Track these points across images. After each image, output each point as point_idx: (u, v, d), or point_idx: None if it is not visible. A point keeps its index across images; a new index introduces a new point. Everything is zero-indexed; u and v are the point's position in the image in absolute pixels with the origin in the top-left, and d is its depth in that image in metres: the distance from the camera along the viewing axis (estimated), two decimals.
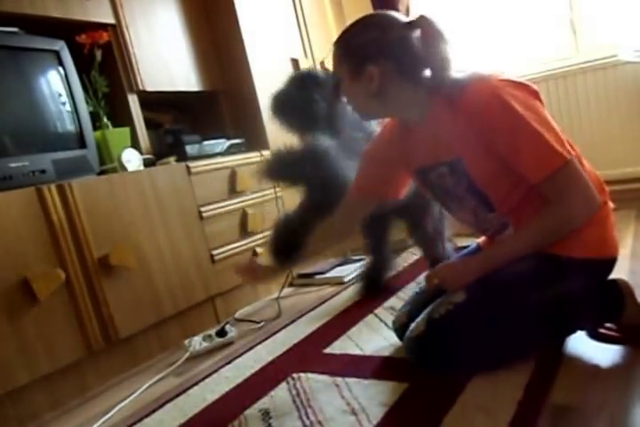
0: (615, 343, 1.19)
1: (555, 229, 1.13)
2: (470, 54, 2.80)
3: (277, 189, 2.33)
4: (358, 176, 1.42)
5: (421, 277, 1.50)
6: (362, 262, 2.25)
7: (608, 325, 1.24)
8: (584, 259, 1.15)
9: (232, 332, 1.74)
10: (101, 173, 1.78)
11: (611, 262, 1.21)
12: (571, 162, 1.08)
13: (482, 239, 1.44)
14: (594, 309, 1.20)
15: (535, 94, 1.14)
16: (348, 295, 2.01)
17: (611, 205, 1.22)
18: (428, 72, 1.16)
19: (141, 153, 1.96)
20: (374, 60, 1.13)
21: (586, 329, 1.25)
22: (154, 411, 1.31)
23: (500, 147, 1.11)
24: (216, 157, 2.12)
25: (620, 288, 1.21)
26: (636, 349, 1.15)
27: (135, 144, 1.98)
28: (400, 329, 1.36)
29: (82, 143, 1.71)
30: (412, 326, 1.22)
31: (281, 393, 1.26)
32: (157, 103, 2.32)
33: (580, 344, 1.22)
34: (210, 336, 1.71)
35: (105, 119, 1.90)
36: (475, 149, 1.14)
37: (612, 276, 1.24)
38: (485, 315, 1.15)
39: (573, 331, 1.23)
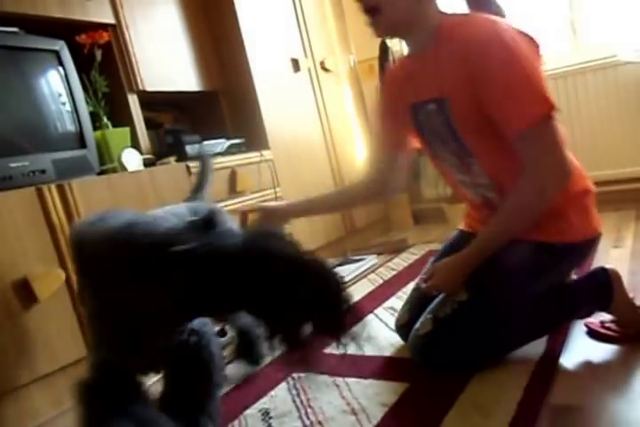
0: (612, 342, 1.19)
1: (528, 206, 1.12)
2: None
3: (277, 189, 2.33)
4: (379, 136, 1.42)
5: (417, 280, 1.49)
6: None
7: (607, 324, 1.24)
8: (576, 242, 1.19)
9: (232, 332, 1.74)
10: (101, 173, 1.78)
11: (597, 239, 1.25)
12: (551, 116, 1.07)
13: (463, 224, 1.44)
14: (587, 292, 1.24)
15: (536, 48, 1.15)
16: None
17: (593, 188, 1.24)
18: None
19: (141, 153, 1.96)
20: None
21: (581, 316, 1.28)
22: None
23: (487, 91, 1.09)
24: (216, 157, 2.12)
25: (609, 275, 1.25)
26: (634, 348, 1.15)
27: (135, 144, 1.97)
28: (403, 328, 1.36)
29: (82, 143, 1.71)
30: (418, 325, 1.22)
31: (281, 393, 1.26)
32: (157, 103, 2.32)
33: (580, 344, 1.22)
34: None
35: (105, 119, 1.90)
36: (462, 90, 1.13)
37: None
38: (491, 311, 1.16)
39: (571, 317, 1.27)
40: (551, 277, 1.22)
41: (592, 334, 1.25)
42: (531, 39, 1.14)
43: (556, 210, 1.16)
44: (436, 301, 1.23)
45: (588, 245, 1.24)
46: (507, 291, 1.16)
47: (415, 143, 1.40)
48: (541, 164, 1.09)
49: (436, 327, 1.18)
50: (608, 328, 1.24)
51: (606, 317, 1.27)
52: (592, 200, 1.23)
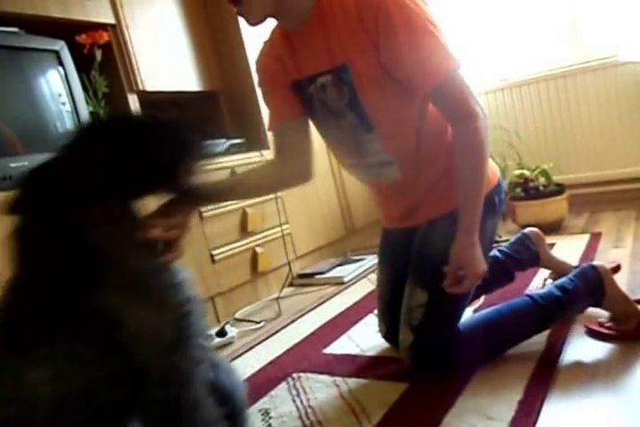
0: (612, 340, 1.19)
1: (477, 144, 1.08)
2: (470, 54, 2.80)
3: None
4: (270, 104, 1.33)
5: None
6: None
7: (606, 324, 1.25)
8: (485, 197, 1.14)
9: (232, 332, 1.74)
10: None
11: (500, 183, 1.27)
12: (457, 69, 1.06)
13: (383, 223, 1.42)
14: (579, 289, 1.24)
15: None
16: (348, 295, 2.01)
17: None
18: None
19: None
20: None
21: (574, 313, 1.29)
22: None
23: (392, 51, 1.05)
24: (216, 157, 2.12)
25: (599, 272, 1.26)
26: (634, 348, 1.15)
27: None
28: (387, 337, 1.38)
29: None
30: (401, 336, 1.22)
31: (281, 393, 1.26)
32: (157, 103, 2.32)
33: (580, 344, 1.22)
34: (210, 336, 1.71)
35: None
36: (363, 52, 1.08)
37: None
38: (455, 301, 1.17)
39: (564, 315, 1.26)
40: (484, 239, 1.15)
41: (591, 333, 1.25)
42: None
43: (444, 173, 1.19)
44: (403, 309, 1.22)
45: (495, 192, 1.24)
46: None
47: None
48: (464, 108, 1.07)
49: (416, 335, 1.18)
50: (608, 327, 1.24)
51: (602, 313, 1.28)
52: None
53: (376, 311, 1.73)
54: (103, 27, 1.91)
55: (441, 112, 1.13)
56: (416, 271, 1.23)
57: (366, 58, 1.08)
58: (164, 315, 0.79)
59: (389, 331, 1.33)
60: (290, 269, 2.36)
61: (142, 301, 0.78)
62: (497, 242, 1.62)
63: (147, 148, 0.81)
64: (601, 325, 1.25)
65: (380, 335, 1.49)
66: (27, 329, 0.74)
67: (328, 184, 2.74)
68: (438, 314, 1.17)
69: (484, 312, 1.25)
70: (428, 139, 1.19)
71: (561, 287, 1.24)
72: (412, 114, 1.16)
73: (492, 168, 1.25)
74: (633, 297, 1.27)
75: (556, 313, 1.22)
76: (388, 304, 1.34)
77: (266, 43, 1.28)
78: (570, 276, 1.29)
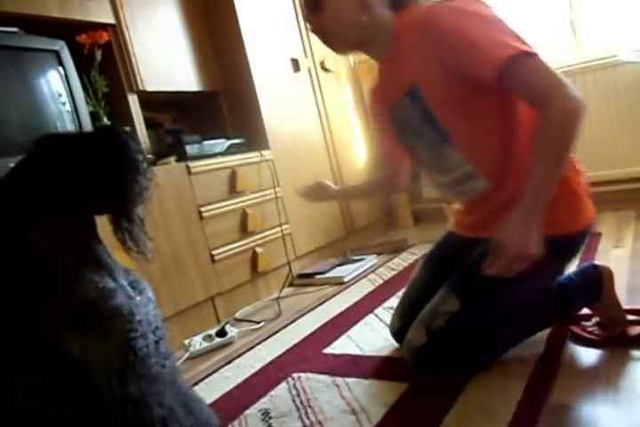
0: (596, 346, 1.18)
1: (563, 129, 0.99)
2: None
3: (277, 189, 2.33)
4: (379, 151, 1.51)
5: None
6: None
7: (590, 329, 1.24)
8: (564, 234, 1.11)
9: (232, 332, 1.74)
10: None
11: (587, 230, 1.17)
12: (530, 54, 0.99)
13: (452, 226, 1.41)
14: (580, 288, 1.23)
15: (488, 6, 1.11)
16: (348, 295, 2.01)
17: (581, 170, 1.19)
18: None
19: None
20: None
21: (573, 310, 1.27)
22: None
23: (453, 54, 1.05)
24: (216, 157, 2.12)
25: (600, 272, 1.25)
26: (634, 348, 1.14)
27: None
28: (397, 335, 1.37)
29: None
30: (411, 335, 1.21)
31: (281, 393, 1.26)
32: (157, 103, 2.32)
33: (580, 344, 1.22)
34: (210, 336, 1.71)
35: (105, 119, 1.90)
36: (429, 69, 1.10)
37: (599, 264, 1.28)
38: (484, 320, 1.15)
39: (564, 314, 1.26)
40: (541, 278, 1.17)
41: (575, 338, 1.23)
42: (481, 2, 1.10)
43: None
44: (427, 309, 1.21)
45: (580, 238, 1.17)
46: (499, 298, 1.14)
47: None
48: (546, 90, 0.99)
49: (430, 339, 1.17)
50: (591, 332, 1.23)
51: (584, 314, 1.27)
52: (581, 182, 1.16)
53: (378, 310, 1.73)
54: (103, 27, 1.91)
55: (526, 103, 1.05)
56: (460, 279, 1.20)
57: (431, 69, 1.10)
58: (108, 343, 0.79)
59: (402, 330, 1.31)
60: (290, 269, 2.36)
61: (86, 329, 0.78)
62: None
63: (96, 166, 0.84)
64: (585, 329, 1.24)
65: (379, 335, 1.49)
66: None
67: None
68: (461, 329, 1.15)
69: None
70: (516, 142, 1.13)
71: (561, 285, 1.24)
72: (489, 116, 1.12)
73: (588, 209, 1.16)
74: (633, 298, 1.27)
75: (555, 311, 1.23)
76: (412, 304, 1.32)
77: (371, 86, 1.39)
78: (570, 274, 1.28)
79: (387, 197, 1.59)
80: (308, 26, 1.22)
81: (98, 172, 0.84)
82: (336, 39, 1.19)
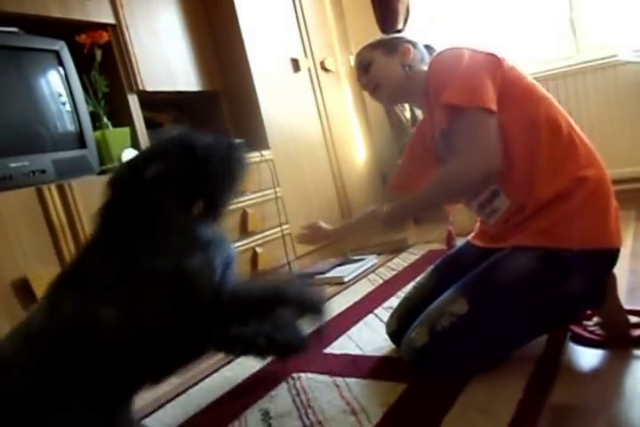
0: (597, 346, 1.18)
1: (445, 188, 1.20)
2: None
3: (278, 189, 2.33)
4: (396, 170, 1.56)
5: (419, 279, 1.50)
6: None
7: (591, 328, 1.24)
8: (584, 250, 1.11)
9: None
10: (101, 173, 1.78)
11: (613, 254, 1.17)
12: (478, 111, 1.13)
13: (472, 235, 1.43)
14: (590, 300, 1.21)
15: (497, 59, 1.20)
16: (348, 295, 2.00)
17: (609, 183, 1.20)
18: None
19: None
20: (406, 42, 1.37)
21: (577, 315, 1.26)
22: (154, 411, 1.31)
23: (444, 91, 1.17)
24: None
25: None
26: (634, 348, 1.14)
27: (135, 144, 1.98)
28: (393, 335, 1.37)
29: (82, 143, 1.71)
30: (412, 335, 1.19)
31: (281, 393, 1.26)
32: (157, 103, 2.32)
33: (580, 345, 1.22)
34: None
35: (105, 119, 1.90)
36: (440, 111, 1.21)
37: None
38: (489, 325, 1.14)
39: (570, 321, 1.25)
40: (559, 294, 1.13)
41: (576, 338, 1.23)
42: (491, 54, 1.22)
43: (566, 207, 1.12)
44: (432, 309, 1.20)
45: (602, 258, 1.15)
46: (509, 305, 1.14)
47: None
48: (465, 151, 1.16)
49: (432, 340, 1.16)
50: (592, 332, 1.22)
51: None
52: (608, 201, 1.18)
53: (378, 311, 1.73)
54: (103, 27, 1.91)
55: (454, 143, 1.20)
56: (471, 282, 1.19)
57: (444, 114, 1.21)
58: (210, 264, 1.02)
59: (399, 331, 1.31)
60: (290, 270, 2.36)
61: (189, 254, 1.00)
62: None
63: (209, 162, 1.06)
64: (586, 329, 1.24)
65: (379, 335, 1.49)
66: (99, 276, 0.96)
67: (328, 184, 2.74)
68: (465, 332, 1.14)
69: None
70: (541, 165, 1.15)
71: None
72: (512, 138, 1.16)
73: (611, 227, 1.19)
74: (633, 298, 1.26)
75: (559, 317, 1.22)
76: (413, 307, 1.32)
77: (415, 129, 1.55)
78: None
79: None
80: (359, 83, 1.42)
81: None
82: (383, 94, 1.37)
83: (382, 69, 1.35)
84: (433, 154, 1.39)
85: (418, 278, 1.43)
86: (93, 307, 0.94)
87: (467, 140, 1.15)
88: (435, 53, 1.30)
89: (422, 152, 1.44)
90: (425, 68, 1.33)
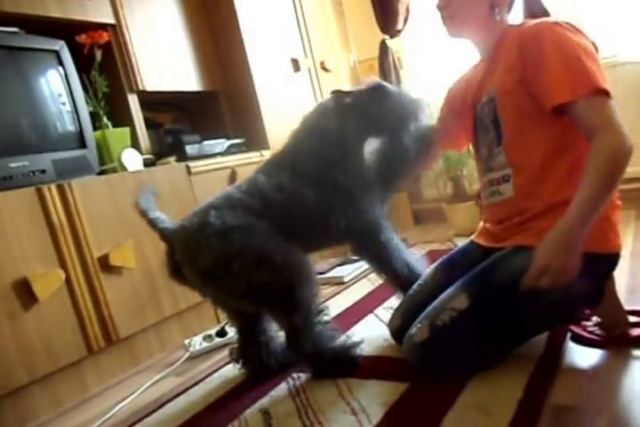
0: (596, 346, 1.18)
1: (615, 159, 1.05)
2: (471, 54, 2.80)
3: None
4: (437, 125, 1.48)
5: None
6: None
7: (590, 328, 1.24)
8: (585, 254, 1.09)
9: (232, 332, 1.74)
10: (101, 173, 1.78)
11: (613, 258, 1.19)
12: (604, 93, 1.11)
13: (475, 234, 1.43)
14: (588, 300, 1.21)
15: (592, 43, 1.16)
16: (348, 295, 2.00)
17: (619, 204, 1.22)
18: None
19: (141, 153, 1.96)
20: None
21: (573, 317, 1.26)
22: (154, 411, 1.31)
23: (540, 69, 1.12)
24: (216, 157, 2.12)
25: None
26: (634, 348, 1.14)
27: (135, 144, 1.98)
28: (396, 333, 1.37)
29: (82, 143, 1.71)
30: (413, 331, 1.20)
31: (281, 393, 1.26)
32: (157, 103, 2.32)
33: (580, 345, 1.22)
34: (210, 336, 1.71)
35: (105, 119, 1.90)
36: (509, 74, 1.19)
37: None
38: (490, 320, 1.14)
39: (568, 320, 1.25)
40: (559, 292, 1.11)
41: (576, 338, 1.23)
42: (586, 35, 1.17)
43: (556, 206, 1.14)
44: (433, 306, 1.20)
45: (603, 262, 1.17)
46: (510, 302, 1.13)
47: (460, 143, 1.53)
48: (608, 126, 1.10)
49: (432, 335, 1.15)
50: (591, 332, 1.22)
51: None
52: (614, 210, 1.21)
53: (378, 311, 1.73)
54: (103, 27, 1.91)
55: (585, 125, 1.11)
56: (472, 279, 1.20)
57: (511, 74, 1.18)
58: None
59: (402, 328, 1.31)
60: None
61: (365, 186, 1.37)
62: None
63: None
64: (586, 329, 1.24)
65: (379, 335, 1.49)
66: (305, 166, 1.35)
67: None
68: (465, 328, 1.14)
69: None
70: (563, 159, 1.16)
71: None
72: (542, 129, 1.16)
73: (617, 238, 1.20)
74: (633, 298, 1.26)
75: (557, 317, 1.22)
76: (416, 305, 1.31)
77: (461, 75, 1.49)
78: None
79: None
80: (437, 3, 1.30)
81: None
82: (456, 22, 1.29)
83: (468, 1, 1.27)
84: (471, 104, 1.35)
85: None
86: (301, 186, 1.30)
87: (607, 114, 1.11)
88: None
89: (460, 99, 1.40)
90: (507, 16, 1.30)
